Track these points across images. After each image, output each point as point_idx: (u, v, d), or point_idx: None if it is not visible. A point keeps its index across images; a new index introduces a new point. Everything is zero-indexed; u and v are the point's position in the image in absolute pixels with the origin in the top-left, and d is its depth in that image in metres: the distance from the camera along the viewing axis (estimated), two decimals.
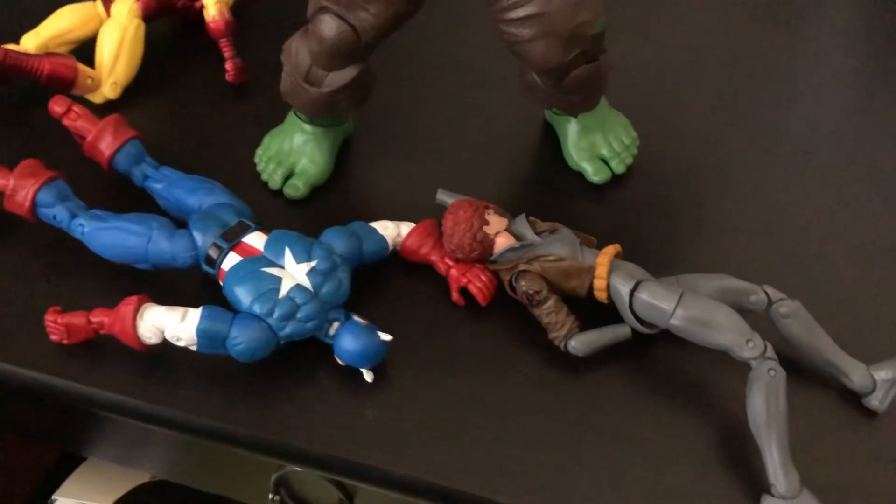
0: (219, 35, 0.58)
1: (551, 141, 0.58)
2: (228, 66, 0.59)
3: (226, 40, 0.59)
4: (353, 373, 0.46)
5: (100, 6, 0.59)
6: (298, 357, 0.47)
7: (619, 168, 0.56)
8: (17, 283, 0.50)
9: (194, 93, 0.60)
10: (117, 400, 0.47)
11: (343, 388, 0.46)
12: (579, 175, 0.56)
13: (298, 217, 0.54)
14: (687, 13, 0.68)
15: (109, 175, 0.52)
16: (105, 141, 0.51)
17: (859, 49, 0.67)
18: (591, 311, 0.48)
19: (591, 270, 0.47)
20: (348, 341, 0.45)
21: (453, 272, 0.49)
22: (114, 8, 0.58)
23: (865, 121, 0.62)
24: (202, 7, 0.60)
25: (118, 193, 0.53)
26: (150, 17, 0.59)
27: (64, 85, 0.56)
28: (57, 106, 0.52)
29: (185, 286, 0.49)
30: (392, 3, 0.46)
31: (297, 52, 0.49)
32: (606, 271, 0.47)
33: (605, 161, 0.56)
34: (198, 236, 0.47)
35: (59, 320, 0.45)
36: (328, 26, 0.47)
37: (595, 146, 0.56)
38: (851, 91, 0.64)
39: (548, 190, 0.56)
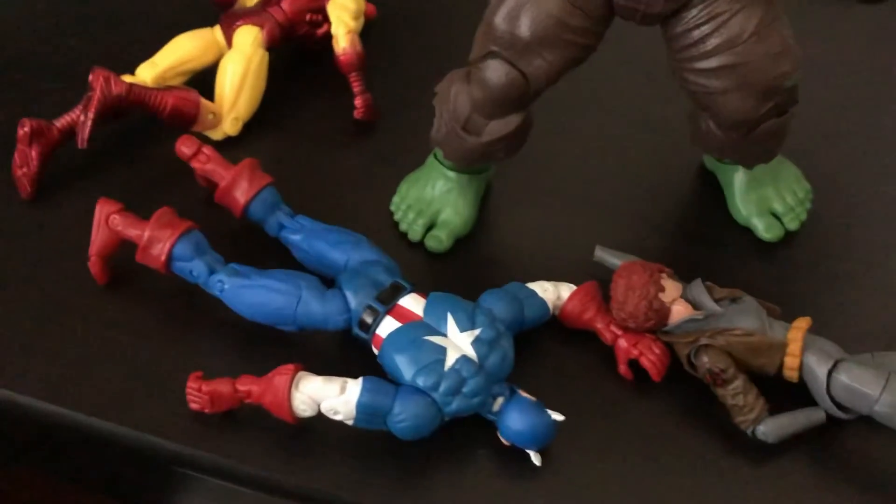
0: (350, 69, 0.60)
1: (712, 190, 0.58)
2: (358, 101, 0.60)
3: (356, 74, 0.60)
4: (517, 454, 0.47)
5: (219, 33, 0.61)
6: (456, 433, 0.48)
7: (792, 224, 0.56)
8: (144, 342, 0.51)
9: (318, 129, 0.61)
10: (247, 471, 0.48)
11: (506, 471, 0.47)
12: (746, 231, 0.57)
13: (441, 272, 0.55)
14: (864, 48, 0.68)
15: (236, 223, 0.54)
16: (241, 188, 0.53)
17: None
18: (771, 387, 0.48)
19: (782, 347, 0.48)
20: (515, 419, 0.46)
21: (622, 342, 0.50)
22: (237, 37, 0.60)
23: None
24: (324, 34, 0.62)
25: (246, 243, 0.54)
26: (273, 45, 0.61)
27: (185, 121, 0.58)
28: (185, 147, 0.54)
29: (327, 349, 0.51)
30: (569, 49, 0.48)
31: (456, 98, 0.51)
32: (801, 348, 0.47)
33: (776, 216, 0.56)
34: (350, 297, 0.48)
35: (204, 388, 0.47)
36: (496, 73, 0.48)
37: (766, 200, 0.56)
38: None
39: (711, 247, 0.57)
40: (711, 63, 0.47)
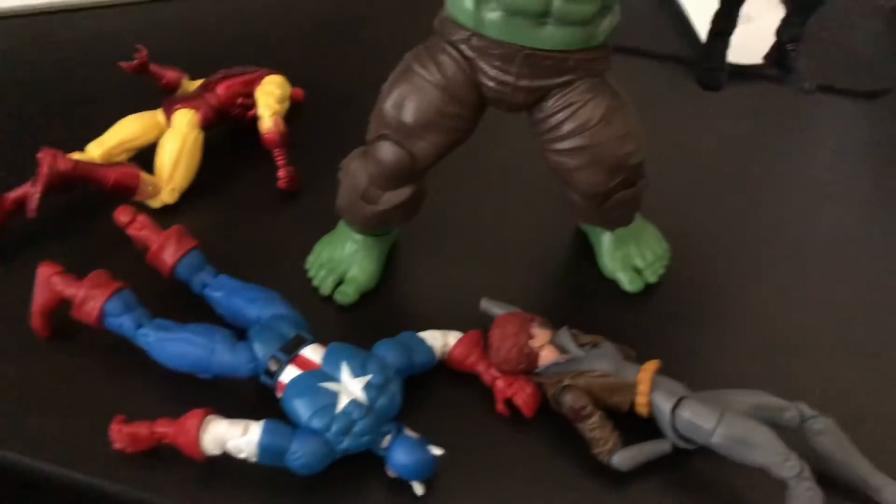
0: (273, 146, 0.61)
1: (586, 247, 0.60)
2: (281, 174, 0.61)
3: (279, 150, 0.61)
4: (403, 484, 0.47)
5: (161, 115, 0.61)
6: (350, 467, 0.48)
7: (652, 278, 0.57)
8: (78, 388, 0.51)
9: (247, 197, 0.62)
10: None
11: (393, 499, 0.47)
12: (613, 283, 0.58)
13: (348, 322, 0.55)
14: (711, 121, 0.71)
15: (167, 281, 0.54)
16: (168, 251, 0.53)
17: (878, 155, 0.70)
18: (631, 421, 0.49)
19: (633, 386, 0.48)
20: (401, 455, 0.46)
21: (499, 383, 0.50)
22: (175, 119, 0.60)
23: (891, 225, 0.64)
24: (254, 115, 0.63)
25: (176, 298, 0.54)
26: (208, 126, 0.61)
27: (127, 192, 0.58)
28: (122, 216, 0.54)
29: (244, 393, 0.51)
30: (448, 133, 0.49)
31: (356, 172, 0.52)
32: (648, 388, 0.48)
33: (638, 271, 0.58)
34: (258, 348, 0.48)
35: (125, 430, 0.46)
36: (387, 152, 0.49)
37: (629, 257, 0.57)
38: (876, 196, 0.66)
39: (584, 297, 0.58)
40: (567, 144, 0.48)
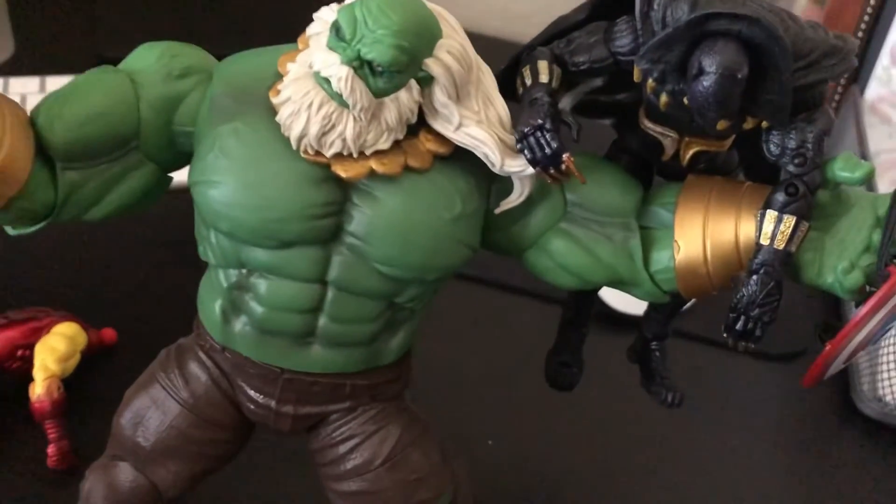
0: (42, 418, 0.50)
1: None
2: (51, 449, 0.50)
3: (51, 422, 0.50)
4: None
5: None
6: None
7: None
8: None
9: (10, 479, 0.51)
10: None
11: None
12: None
13: None
14: (602, 377, 0.60)
15: None
16: None
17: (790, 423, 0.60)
18: None
19: None
20: None
21: None
22: None
23: None
24: None
25: None
26: None
27: None
28: None
29: None
30: (198, 461, 0.39)
31: (91, 492, 0.41)
32: None
33: None
34: None
35: None
36: (123, 475, 0.39)
37: None
38: (792, 471, 0.56)
39: None
40: (345, 487, 0.38)
